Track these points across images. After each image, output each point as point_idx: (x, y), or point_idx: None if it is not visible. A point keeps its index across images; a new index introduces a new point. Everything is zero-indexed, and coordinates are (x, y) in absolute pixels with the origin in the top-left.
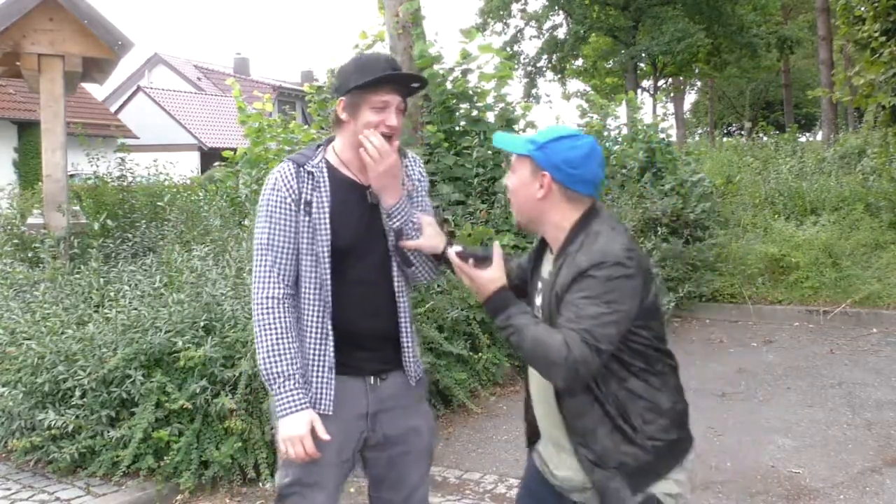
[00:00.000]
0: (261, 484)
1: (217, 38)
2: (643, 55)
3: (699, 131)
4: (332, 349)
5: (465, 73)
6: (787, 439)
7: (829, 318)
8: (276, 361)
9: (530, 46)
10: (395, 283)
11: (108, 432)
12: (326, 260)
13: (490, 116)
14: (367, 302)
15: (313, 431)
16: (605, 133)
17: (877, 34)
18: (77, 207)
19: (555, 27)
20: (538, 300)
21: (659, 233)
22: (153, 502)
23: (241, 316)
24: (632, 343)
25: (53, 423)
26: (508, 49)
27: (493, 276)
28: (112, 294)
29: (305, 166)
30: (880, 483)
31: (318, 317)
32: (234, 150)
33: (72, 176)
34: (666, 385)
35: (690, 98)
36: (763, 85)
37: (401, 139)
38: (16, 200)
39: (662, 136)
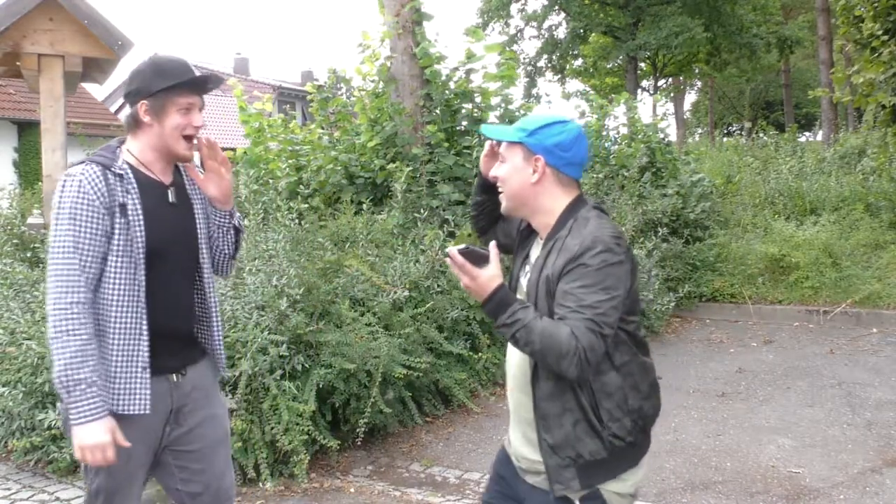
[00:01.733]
0: (261, 484)
1: (217, 38)
2: (641, 52)
3: (699, 131)
4: (146, 348)
5: (468, 72)
6: (787, 439)
7: (829, 318)
8: (79, 368)
9: (530, 46)
10: (205, 281)
11: None
12: (142, 261)
13: (492, 117)
14: (172, 302)
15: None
16: (604, 133)
17: (877, 34)
18: None
19: (554, 27)
20: (523, 282)
21: (659, 233)
22: (153, 502)
23: (240, 316)
24: (619, 332)
25: (53, 423)
26: (508, 49)
27: (493, 274)
28: None
29: (112, 168)
30: (880, 483)
31: (132, 317)
32: (234, 149)
33: None
34: (640, 387)
35: (690, 98)
36: (763, 85)
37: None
38: (16, 200)
39: (661, 136)
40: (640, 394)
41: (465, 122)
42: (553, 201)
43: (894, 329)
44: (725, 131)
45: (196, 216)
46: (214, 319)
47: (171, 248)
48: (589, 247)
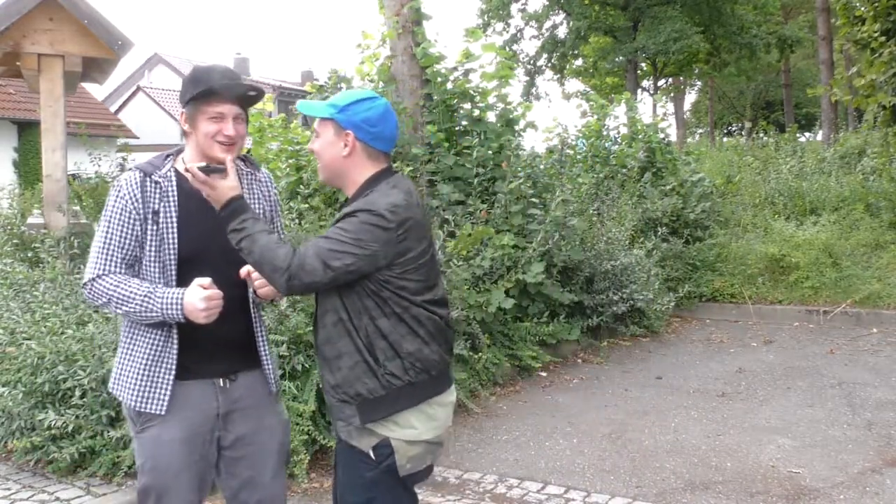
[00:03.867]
0: None
1: (217, 38)
2: (640, 55)
3: (699, 131)
4: (175, 352)
5: (467, 72)
6: (787, 439)
7: (829, 318)
8: (133, 296)
9: (530, 46)
10: (250, 296)
11: (108, 432)
12: (173, 268)
13: (491, 116)
14: None
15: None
16: (604, 133)
17: (877, 34)
18: (77, 207)
19: (555, 27)
20: None
21: (659, 233)
22: None
23: None
24: (388, 287)
25: (53, 423)
26: (508, 49)
27: (232, 185)
28: None
29: (152, 176)
30: (880, 483)
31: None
32: None
33: (75, 177)
34: (417, 332)
35: (690, 98)
36: (763, 85)
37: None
38: (16, 200)
39: (662, 136)
40: (417, 339)
41: (465, 122)
42: (361, 173)
43: (894, 329)
44: (725, 131)
45: None
46: (256, 327)
47: (211, 256)
48: (361, 208)
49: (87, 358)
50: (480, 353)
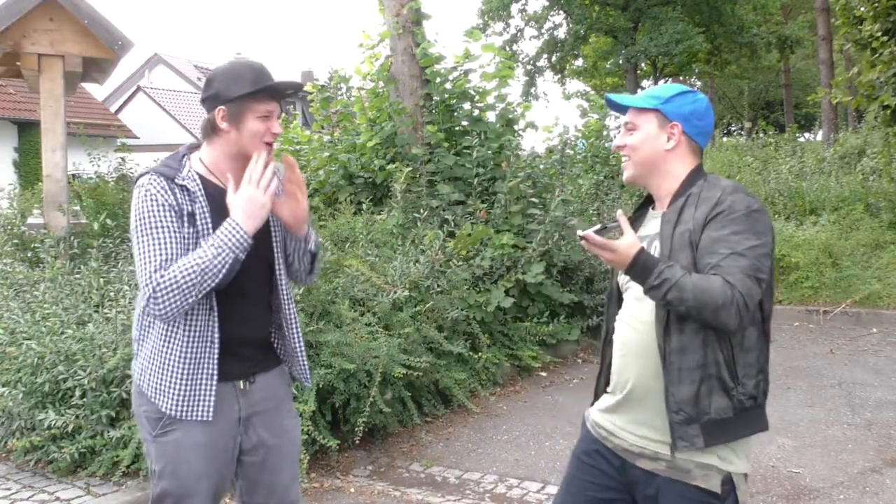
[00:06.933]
0: None
1: (217, 38)
2: (642, 56)
3: None
4: (216, 357)
5: (466, 73)
6: (787, 439)
7: (829, 318)
8: (197, 259)
9: (530, 46)
10: (281, 288)
11: (108, 432)
12: None
13: (490, 116)
14: (241, 311)
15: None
16: (604, 133)
17: (877, 34)
18: (77, 207)
19: (555, 27)
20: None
21: None
22: None
23: None
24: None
25: (53, 423)
26: (508, 49)
27: (631, 242)
28: (112, 294)
29: (176, 180)
30: (880, 483)
31: (202, 325)
32: None
33: (76, 176)
34: (764, 348)
35: None
36: (763, 85)
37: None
38: (16, 200)
39: None
40: (765, 354)
41: (464, 122)
42: (682, 167)
43: (894, 329)
44: (725, 131)
45: (272, 225)
46: (291, 327)
47: (244, 259)
48: (731, 193)
49: (87, 358)
50: (480, 353)
